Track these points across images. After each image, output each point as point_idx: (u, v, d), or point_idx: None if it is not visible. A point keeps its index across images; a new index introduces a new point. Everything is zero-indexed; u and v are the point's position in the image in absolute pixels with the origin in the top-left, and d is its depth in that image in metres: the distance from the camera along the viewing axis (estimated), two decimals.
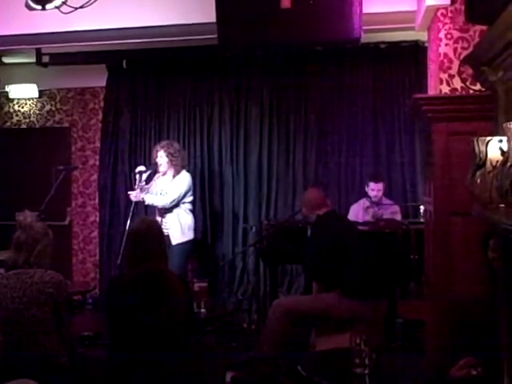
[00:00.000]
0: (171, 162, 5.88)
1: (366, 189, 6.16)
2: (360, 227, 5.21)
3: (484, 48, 2.54)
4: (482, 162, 2.33)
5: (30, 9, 3.88)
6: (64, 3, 3.71)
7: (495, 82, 2.56)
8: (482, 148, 2.32)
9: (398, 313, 4.94)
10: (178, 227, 5.79)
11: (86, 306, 6.51)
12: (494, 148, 2.28)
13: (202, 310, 4.57)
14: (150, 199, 5.85)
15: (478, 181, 2.36)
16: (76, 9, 3.73)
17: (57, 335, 3.19)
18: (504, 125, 2.20)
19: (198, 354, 3.22)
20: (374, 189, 6.04)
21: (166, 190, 5.89)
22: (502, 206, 2.12)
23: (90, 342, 4.40)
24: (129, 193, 6.04)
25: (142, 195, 5.83)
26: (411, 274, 5.09)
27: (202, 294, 4.62)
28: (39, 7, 3.79)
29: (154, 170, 6.01)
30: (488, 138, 2.31)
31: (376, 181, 6.08)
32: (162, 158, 5.89)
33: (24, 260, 3.29)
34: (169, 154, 5.86)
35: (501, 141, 2.26)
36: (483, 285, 3.06)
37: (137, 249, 3.21)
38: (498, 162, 2.21)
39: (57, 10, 3.79)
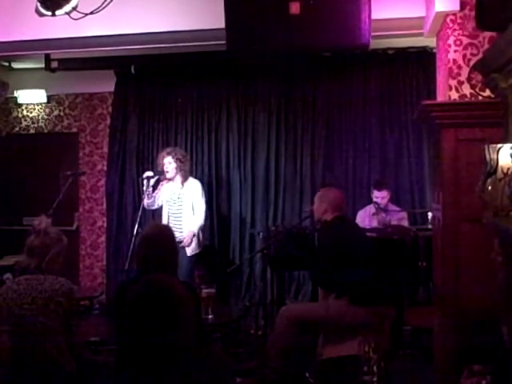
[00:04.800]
0: (180, 168, 5.82)
1: (372, 195, 6.15)
2: (368, 233, 5.18)
3: (494, 55, 2.53)
4: (493, 170, 2.32)
5: (40, 15, 3.88)
6: (74, 9, 3.71)
7: (505, 89, 2.55)
8: (493, 155, 2.31)
9: (406, 320, 4.91)
10: (195, 239, 5.78)
11: (93, 311, 6.50)
12: (505, 155, 2.27)
13: (210, 317, 4.55)
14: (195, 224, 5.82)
15: (489, 188, 2.36)
16: (86, 15, 3.72)
17: (64, 342, 3.15)
18: None
19: (207, 362, 3.20)
20: (378, 196, 6.02)
21: (177, 196, 5.84)
22: None
23: (96, 348, 4.38)
24: (143, 198, 5.88)
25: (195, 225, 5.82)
26: (419, 281, 5.07)
27: (209, 301, 4.60)
28: (49, 13, 3.79)
29: (159, 176, 5.91)
30: (499, 146, 2.31)
31: (379, 189, 6.04)
32: (170, 164, 5.81)
33: (36, 265, 3.26)
34: (177, 160, 5.80)
35: None
36: (492, 292, 3.04)
37: (149, 254, 3.19)
38: (509, 169, 2.20)
39: (66, 15, 3.80)
